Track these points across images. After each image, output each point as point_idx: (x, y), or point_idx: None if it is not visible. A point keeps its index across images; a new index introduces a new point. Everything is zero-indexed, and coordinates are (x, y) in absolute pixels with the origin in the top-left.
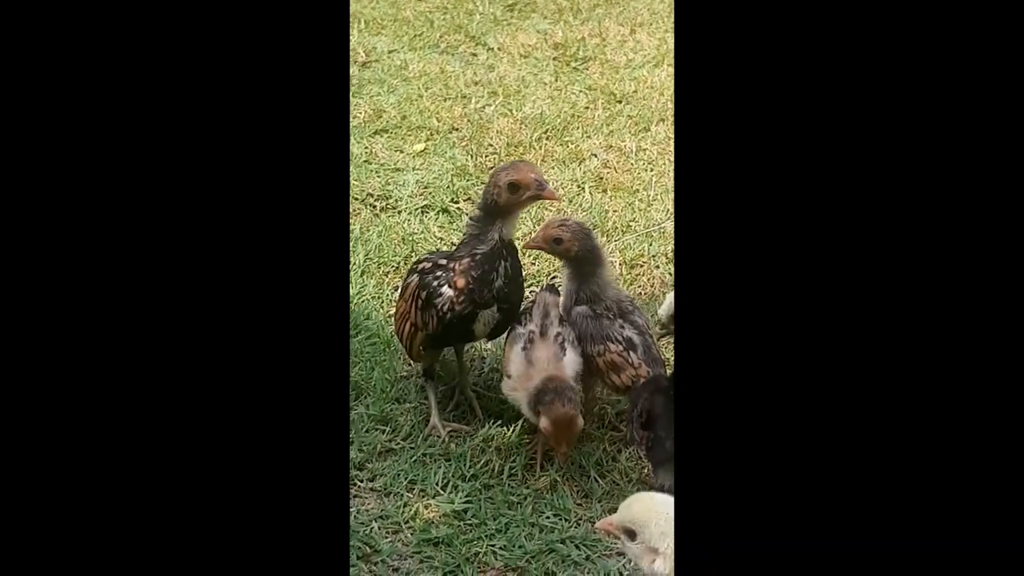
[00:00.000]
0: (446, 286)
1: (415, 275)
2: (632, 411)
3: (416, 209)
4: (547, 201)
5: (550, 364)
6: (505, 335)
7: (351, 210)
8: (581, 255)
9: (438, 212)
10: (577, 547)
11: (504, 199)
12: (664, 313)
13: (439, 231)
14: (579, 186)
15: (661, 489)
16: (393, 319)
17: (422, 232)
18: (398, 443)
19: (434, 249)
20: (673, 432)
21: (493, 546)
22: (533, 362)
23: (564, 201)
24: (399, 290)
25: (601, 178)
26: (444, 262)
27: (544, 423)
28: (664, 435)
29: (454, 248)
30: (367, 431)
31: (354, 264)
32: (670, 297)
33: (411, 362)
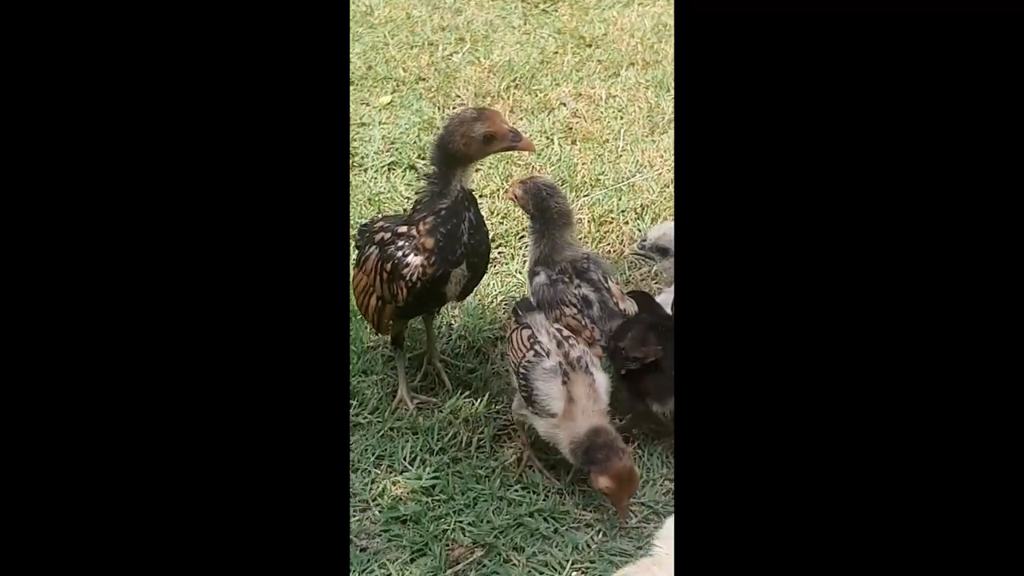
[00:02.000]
0: (412, 254)
1: (374, 247)
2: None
3: (383, 166)
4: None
5: (589, 398)
6: (523, 372)
7: None
8: (535, 214)
9: (404, 169)
10: (546, 520)
11: (474, 149)
12: (652, 237)
13: (406, 189)
14: (548, 137)
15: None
16: (353, 291)
17: (388, 191)
18: (365, 417)
19: (400, 210)
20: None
21: (461, 522)
22: (574, 399)
23: (535, 155)
24: (355, 261)
25: (570, 128)
26: (404, 229)
27: (604, 483)
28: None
29: (407, 211)
30: None
31: None
32: (659, 225)
33: (376, 333)
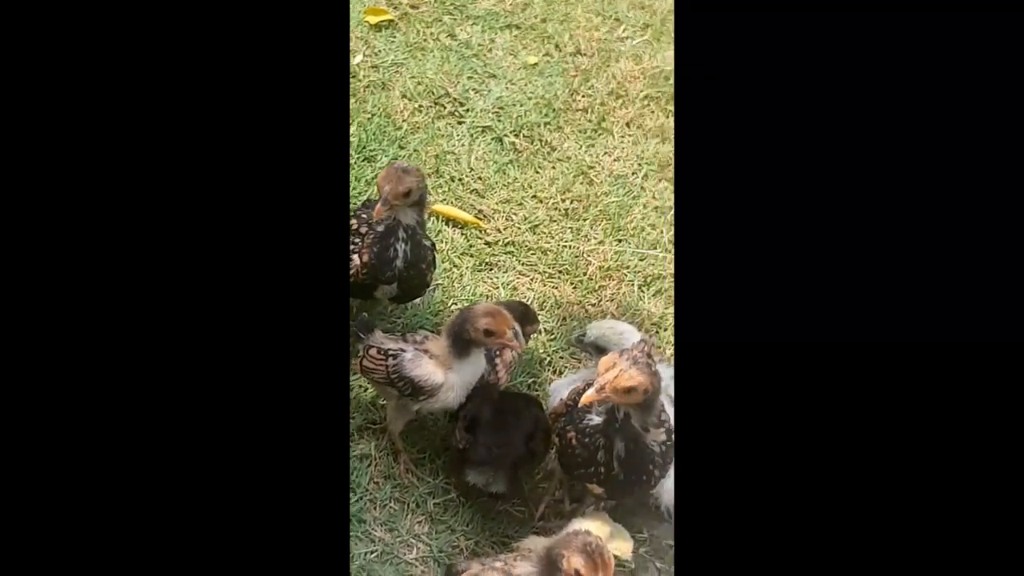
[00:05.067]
0: (355, 255)
1: (353, 219)
2: (460, 412)
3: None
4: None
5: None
6: (396, 375)
7: None
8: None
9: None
10: None
11: (379, 189)
12: (592, 335)
13: None
14: None
15: (473, 487)
16: None
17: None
18: None
19: None
20: (493, 439)
21: None
22: (442, 360)
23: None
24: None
25: None
26: (365, 229)
27: (484, 322)
28: (483, 441)
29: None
30: None
31: None
32: (599, 323)
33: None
